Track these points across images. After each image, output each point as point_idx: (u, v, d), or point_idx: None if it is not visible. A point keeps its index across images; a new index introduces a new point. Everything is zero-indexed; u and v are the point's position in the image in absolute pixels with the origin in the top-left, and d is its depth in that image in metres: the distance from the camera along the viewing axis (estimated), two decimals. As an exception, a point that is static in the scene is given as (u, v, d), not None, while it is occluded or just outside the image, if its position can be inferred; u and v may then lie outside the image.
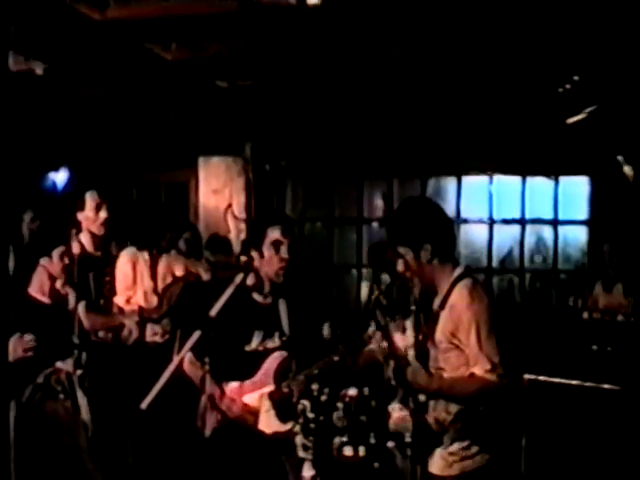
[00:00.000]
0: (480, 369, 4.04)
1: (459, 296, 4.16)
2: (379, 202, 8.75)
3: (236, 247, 8.08)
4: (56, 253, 5.85)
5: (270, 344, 4.76)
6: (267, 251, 4.62)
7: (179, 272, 6.78)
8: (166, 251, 6.81)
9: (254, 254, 4.66)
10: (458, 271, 4.25)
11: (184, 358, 4.38)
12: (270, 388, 4.69)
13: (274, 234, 4.62)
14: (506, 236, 8.31)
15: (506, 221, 8.35)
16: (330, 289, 8.65)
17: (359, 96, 7.54)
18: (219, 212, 8.24)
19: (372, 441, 4.77)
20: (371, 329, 4.69)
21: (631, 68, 5.85)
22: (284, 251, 4.60)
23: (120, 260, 6.63)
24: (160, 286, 6.75)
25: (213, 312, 4.53)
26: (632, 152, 7.14)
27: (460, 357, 4.14)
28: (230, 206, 8.23)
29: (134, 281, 6.66)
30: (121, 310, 6.47)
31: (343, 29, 6.12)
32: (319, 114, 7.85)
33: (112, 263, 6.53)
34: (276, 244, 4.61)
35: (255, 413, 4.66)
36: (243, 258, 4.81)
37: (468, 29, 6.01)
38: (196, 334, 4.45)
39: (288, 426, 4.63)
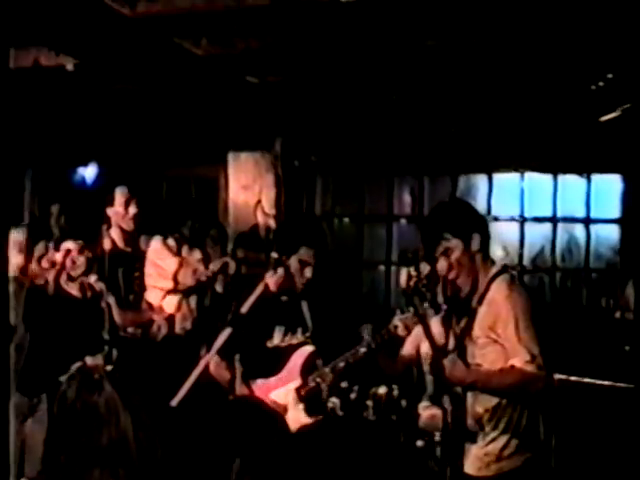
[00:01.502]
0: (519, 360, 4.08)
1: (497, 291, 4.22)
2: (408, 199, 8.70)
3: (266, 243, 8.08)
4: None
5: (294, 340, 4.85)
6: (294, 264, 4.78)
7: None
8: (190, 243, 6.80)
9: (282, 259, 4.80)
10: (495, 269, 4.34)
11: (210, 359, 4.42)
12: (297, 384, 4.72)
13: (304, 255, 4.78)
14: (537, 234, 8.22)
15: (538, 219, 8.26)
16: (359, 286, 8.61)
17: (391, 92, 7.49)
18: (249, 208, 8.20)
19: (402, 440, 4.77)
20: (397, 318, 4.67)
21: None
22: (309, 272, 4.78)
23: (152, 246, 6.64)
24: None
25: (244, 309, 4.56)
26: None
27: (498, 352, 4.19)
28: (260, 202, 8.20)
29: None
30: (150, 306, 6.51)
31: (376, 25, 6.09)
32: (350, 110, 7.80)
33: (142, 259, 6.56)
34: (303, 263, 4.78)
35: (283, 409, 4.64)
36: (274, 255, 4.83)
37: (502, 25, 5.95)
38: (227, 331, 4.47)
39: (315, 419, 4.63)
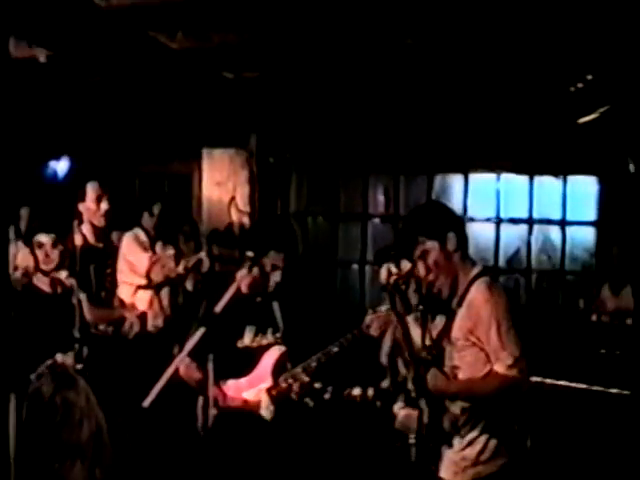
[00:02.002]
0: (501, 365, 4.02)
1: (477, 293, 4.14)
2: (382, 198, 8.64)
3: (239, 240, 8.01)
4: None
5: (264, 340, 4.77)
6: (266, 266, 4.75)
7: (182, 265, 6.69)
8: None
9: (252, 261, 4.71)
10: (476, 270, 4.24)
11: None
12: (268, 384, 4.66)
13: (275, 259, 4.74)
14: (513, 235, 8.20)
15: (513, 220, 8.23)
16: (333, 285, 8.55)
17: (366, 90, 7.44)
18: (222, 205, 8.13)
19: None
20: (369, 317, 4.63)
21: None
22: (278, 275, 4.77)
23: (125, 240, 6.55)
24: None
25: (217, 308, 4.47)
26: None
27: (477, 355, 4.11)
28: (234, 199, 8.12)
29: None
30: (122, 303, 6.41)
31: (352, 21, 6.03)
32: (325, 107, 7.74)
33: (113, 255, 6.47)
34: (273, 267, 4.75)
35: (255, 409, 4.61)
36: (250, 254, 4.76)
37: (480, 25, 5.91)
38: (200, 331, 4.37)
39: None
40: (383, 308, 4.52)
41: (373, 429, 5.53)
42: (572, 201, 8.19)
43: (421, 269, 4.20)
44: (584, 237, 8.26)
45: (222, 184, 8.16)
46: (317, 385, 5.00)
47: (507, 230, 8.18)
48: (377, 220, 8.64)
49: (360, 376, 5.57)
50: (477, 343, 4.10)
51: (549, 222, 8.29)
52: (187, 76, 6.57)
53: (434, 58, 6.57)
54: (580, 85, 6.06)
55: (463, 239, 4.27)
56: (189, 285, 6.80)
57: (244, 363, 4.70)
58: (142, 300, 6.51)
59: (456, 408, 4.16)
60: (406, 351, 4.13)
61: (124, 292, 6.51)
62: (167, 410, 4.74)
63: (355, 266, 8.63)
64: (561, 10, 5.44)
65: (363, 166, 8.49)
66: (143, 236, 6.69)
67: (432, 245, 4.16)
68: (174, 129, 7.67)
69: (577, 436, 5.83)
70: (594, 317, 6.59)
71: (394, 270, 4.07)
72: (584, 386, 6.10)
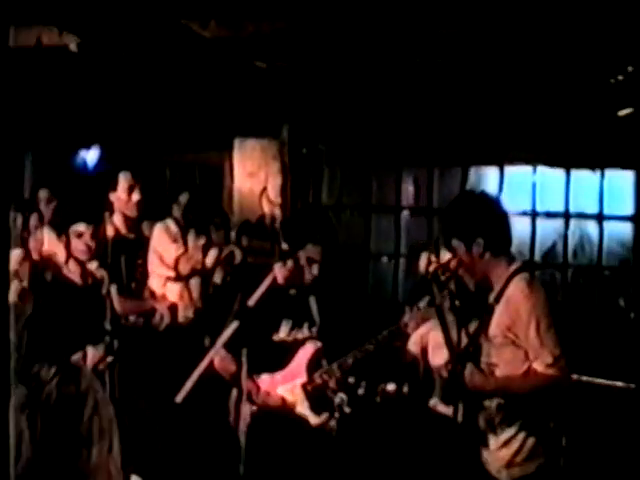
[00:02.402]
0: (541, 363, 3.97)
1: (516, 290, 4.08)
2: (411, 189, 8.53)
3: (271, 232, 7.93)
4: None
5: (300, 335, 4.72)
6: (302, 259, 4.65)
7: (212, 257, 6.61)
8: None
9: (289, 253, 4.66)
10: (514, 266, 4.18)
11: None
12: (303, 379, 4.61)
13: (313, 252, 4.64)
14: (549, 230, 8.05)
15: (550, 214, 8.08)
16: (365, 279, 8.45)
17: (400, 82, 7.33)
18: (254, 196, 8.05)
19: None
20: (407, 315, 4.54)
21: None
22: (315, 269, 4.65)
23: (156, 231, 6.49)
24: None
25: (251, 302, 4.40)
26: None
27: (515, 352, 4.06)
28: (265, 190, 8.04)
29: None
30: (153, 294, 6.35)
31: (385, 12, 5.94)
32: (359, 99, 7.63)
33: (145, 246, 6.40)
34: (310, 260, 4.65)
35: (291, 405, 4.57)
36: (285, 246, 4.68)
37: (518, 13, 5.79)
38: (234, 324, 4.30)
39: (322, 418, 4.55)
40: (422, 305, 4.43)
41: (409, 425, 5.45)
42: (609, 195, 8.06)
43: (452, 262, 4.15)
44: (622, 232, 8.13)
45: (254, 175, 8.07)
46: (351, 380, 4.91)
47: (543, 224, 8.05)
48: (408, 212, 8.53)
49: (396, 373, 5.47)
50: (515, 340, 4.05)
51: (586, 216, 8.16)
52: (220, 65, 6.48)
53: (470, 49, 6.45)
54: (620, 77, 5.91)
55: (498, 237, 4.18)
56: (218, 278, 6.72)
57: (279, 357, 4.66)
58: (173, 291, 6.45)
59: (492, 405, 4.11)
60: (444, 346, 4.04)
61: (155, 283, 6.45)
62: (200, 404, 4.72)
63: (386, 259, 8.54)
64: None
65: (396, 158, 8.37)
66: (174, 227, 6.62)
67: (458, 244, 4.13)
68: (206, 119, 7.58)
69: (615, 434, 5.73)
70: (632, 314, 6.45)
71: (434, 259, 3.99)
72: (621, 384, 6.01)
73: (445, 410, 4.80)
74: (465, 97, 7.44)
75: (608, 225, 8.10)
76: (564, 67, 6.26)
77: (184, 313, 6.52)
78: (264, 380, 4.64)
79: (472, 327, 4.26)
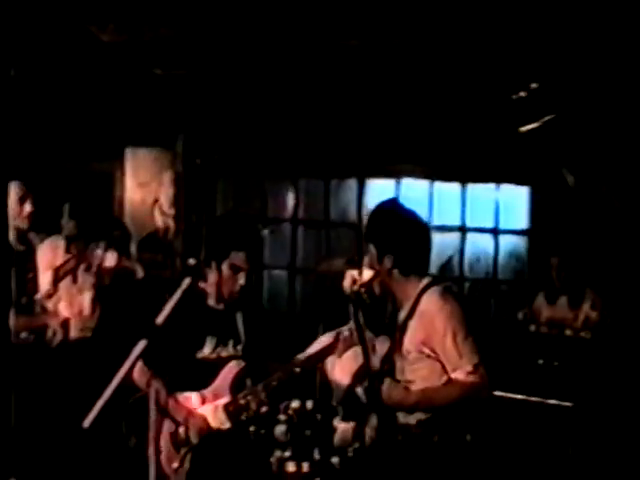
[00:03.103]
0: (461, 373, 3.97)
1: (429, 303, 4.08)
2: (291, 201, 8.44)
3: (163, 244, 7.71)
4: None
5: (224, 352, 4.56)
6: (225, 270, 4.50)
7: (109, 263, 6.32)
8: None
9: (212, 266, 4.51)
10: (425, 281, 4.17)
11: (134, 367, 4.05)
12: (226, 400, 4.44)
13: (237, 260, 4.48)
14: (445, 243, 8.08)
15: (445, 228, 8.12)
16: (260, 291, 8.31)
17: (295, 91, 7.25)
18: (146, 206, 7.81)
19: (316, 457, 4.51)
20: (329, 337, 4.43)
21: (592, 77, 5.70)
22: (242, 278, 4.49)
23: (39, 251, 6.20)
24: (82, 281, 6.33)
25: (160, 319, 4.20)
26: (577, 164, 7.02)
27: (432, 367, 4.05)
28: (158, 201, 7.80)
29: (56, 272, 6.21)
30: (44, 309, 6.06)
31: (283, 22, 5.88)
32: (255, 109, 7.50)
33: (35, 259, 6.11)
34: (236, 269, 4.48)
35: (209, 426, 4.39)
36: (192, 261, 4.49)
37: (421, 29, 5.80)
38: (141, 344, 4.10)
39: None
40: (345, 329, 4.32)
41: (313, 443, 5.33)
42: (505, 210, 8.18)
43: (366, 276, 4.07)
44: (516, 246, 8.25)
45: (146, 185, 7.84)
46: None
47: (439, 238, 8.09)
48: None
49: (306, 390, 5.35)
50: (431, 355, 4.04)
51: (481, 230, 8.25)
52: (116, 70, 6.25)
53: (371, 61, 6.42)
54: (523, 94, 5.97)
55: (408, 257, 4.16)
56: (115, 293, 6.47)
57: (203, 375, 4.48)
58: (65, 307, 6.15)
59: (412, 420, 4.08)
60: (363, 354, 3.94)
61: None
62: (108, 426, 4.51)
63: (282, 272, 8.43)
64: (509, 15, 5.36)
65: (291, 168, 8.27)
66: (61, 242, 6.30)
67: (374, 252, 4.15)
68: (98, 126, 7.30)
69: (515, 447, 5.76)
70: (532, 327, 6.51)
71: (358, 277, 3.90)
72: (521, 397, 6.06)
73: (346, 427, 4.73)
74: (363, 109, 7.39)
75: (503, 239, 8.26)
76: (466, 81, 6.29)
77: (78, 329, 6.25)
78: (187, 398, 4.45)
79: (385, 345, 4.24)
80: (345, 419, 4.74)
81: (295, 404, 5.08)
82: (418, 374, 4.07)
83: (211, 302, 4.59)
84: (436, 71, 6.37)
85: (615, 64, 5.46)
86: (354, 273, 3.91)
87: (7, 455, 4.72)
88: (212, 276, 4.50)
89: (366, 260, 4.19)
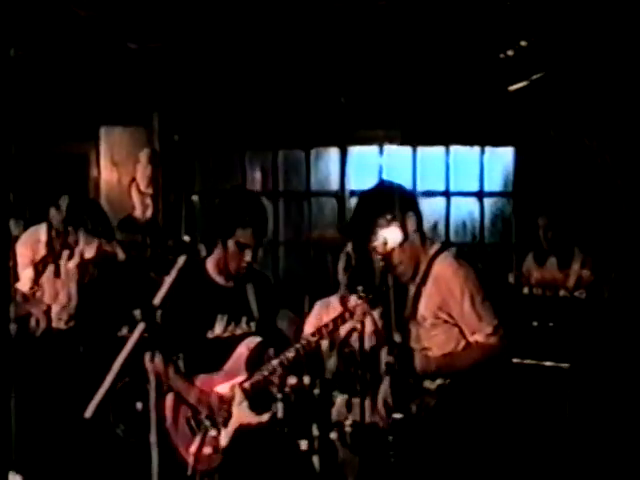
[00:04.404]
0: (481, 335, 3.96)
1: (443, 267, 4.06)
2: (257, 174, 8.31)
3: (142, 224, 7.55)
4: None
5: (238, 330, 4.44)
6: (231, 247, 4.36)
7: (89, 254, 6.18)
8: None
9: (217, 243, 4.38)
10: (436, 247, 4.17)
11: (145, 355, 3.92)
12: (242, 378, 4.32)
13: (244, 236, 4.35)
14: (431, 209, 7.99)
15: (430, 193, 8.03)
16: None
17: (270, 63, 7.09)
18: (122, 187, 7.64)
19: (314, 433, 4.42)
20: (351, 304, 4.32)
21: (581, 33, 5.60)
22: (248, 255, 4.37)
23: (19, 244, 6.03)
24: (64, 270, 6.16)
25: (157, 300, 4.07)
26: (565, 123, 6.93)
27: (448, 332, 4.03)
28: (134, 180, 7.62)
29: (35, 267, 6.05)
30: (25, 298, 5.89)
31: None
32: (230, 82, 7.33)
33: (13, 245, 5.93)
34: (242, 246, 4.36)
35: (228, 406, 4.26)
36: (187, 238, 4.35)
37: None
38: (140, 327, 3.97)
39: (264, 418, 4.26)
40: (354, 298, 4.21)
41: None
42: (489, 172, 8.11)
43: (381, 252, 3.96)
44: (502, 209, 8.20)
45: (121, 164, 7.66)
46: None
47: (424, 203, 8.00)
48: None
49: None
50: (449, 320, 4.02)
51: (466, 194, 8.17)
52: (89, 45, 6.05)
53: (352, 21, 6.27)
54: (510, 52, 5.84)
55: (420, 218, 4.16)
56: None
57: (216, 355, 4.35)
58: (50, 298, 5.99)
59: (432, 387, 4.03)
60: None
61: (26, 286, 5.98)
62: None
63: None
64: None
65: (272, 141, 8.12)
66: (44, 234, 6.11)
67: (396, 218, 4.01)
68: (71, 104, 7.09)
69: (512, 410, 5.72)
70: (525, 290, 6.45)
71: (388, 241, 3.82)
72: (517, 360, 6.01)
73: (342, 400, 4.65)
74: (342, 73, 7.23)
75: (489, 202, 8.19)
76: (453, 40, 6.15)
77: (59, 316, 6.09)
78: (202, 380, 4.33)
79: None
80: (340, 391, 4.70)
81: (292, 380, 4.98)
82: (434, 340, 4.04)
83: (219, 280, 4.46)
84: (420, 30, 6.22)
85: (605, 19, 5.36)
86: (385, 235, 3.83)
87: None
88: (217, 253, 4.37)
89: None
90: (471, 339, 3.98)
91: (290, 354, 4.26)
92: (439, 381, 4.02)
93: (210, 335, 4.40)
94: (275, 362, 4.29)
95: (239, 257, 4.36)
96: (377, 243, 3.88)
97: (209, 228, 4.54)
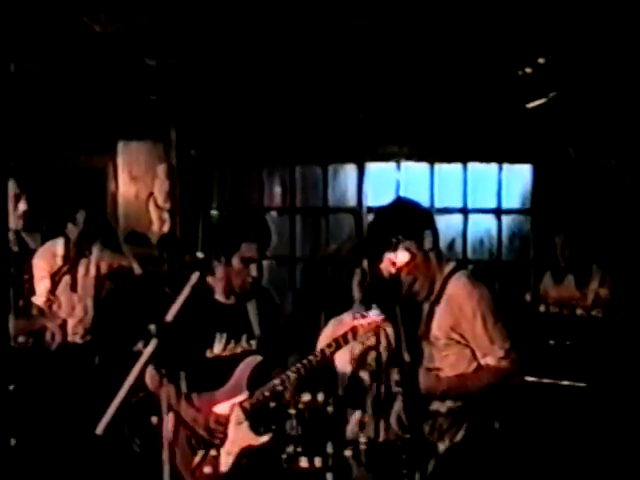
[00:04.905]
0: (492, 358, 3.90)
1: (457, 288, 4.00)
2: (277, 189, 8.29)
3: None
4: None
5: (238, 348, 4.42)
6: (236, 263, 4.36)
7: (105, 268, 6.20)
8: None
9: (221, 260, 4.38)
10: (451, 265, 4.12)
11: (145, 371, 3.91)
12: (243, 397, 4.31)
13: (249, 251, 4.35)
14: (448, 226, 7.95)
15: (447, 210, 7.99)
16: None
17: (289, 79, 7.10)
18: (140, 201, 7.65)
19: (329, 451, 4.39)
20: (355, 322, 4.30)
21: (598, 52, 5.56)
22: (254, 270, 4.37)
23: (36, 257, 6.05)
24: (81, 284, 6.17)
25: (169, 317, 4.06)
26: (583, 140, 6.89)
27: (461, 353, 3.98)
28: (152, 194, 7.63)
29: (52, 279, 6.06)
30: (41, 312, 5.91)
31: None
32: (248, 96, 7.33)
33: (30, 259, 5.96)
34: (247, 261, 4.35)
35: (225, 425, 4.25)
36: (200, 255, 4.34)
37: (423, 4, 5.65)
38: (152, 343, 3.96)
39: (264, 439, 4.26)
40: (372, 313, 4.21)
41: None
42: (507, 189, 8.07)
43: (400, 262, 3.96)
44: (520, 226, 8.15)
45: (139, 179, 7.66)
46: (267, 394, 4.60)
47: (441, 220, 7.96)
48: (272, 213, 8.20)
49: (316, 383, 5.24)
50: (461, 340, 3.96)
51: (484, 211, 8.14)
52: (108, 61, 6.07)
53: (371, 38, 6.26)
54: (529, 70, 5.81)
55: (436, 236, 4.13)
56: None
57: (217, 375, 4.34)
58: (66, 313, 6.00)
59: (442, 409, 3.98)
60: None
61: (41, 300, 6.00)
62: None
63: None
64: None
65: (289, 158, 8.12)
66: (61, 248, 6.13)
67: (409, 245, 4.00)
68: (89, 119, 7.11)
69: (530, 429, 5.68)
70: (542, 308, 6.40)
71: (395, 261, 3.81)
72: (533, 379, 5.97)
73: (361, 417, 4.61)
74: (361, 88, 7.21)
75: (507, 219, 8.14)
76: (471, 57, 6.12)
77: (75, 330, 6.10)
78: (203, 399, 4.33)
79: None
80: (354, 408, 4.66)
81: (306, 397, 4.96)
82: (446, 361, 3.99)
83: (219, 297, 4.45)
84: (439, 48, 6.20)
85: (621, 38, 5.32)
86: (391, 256, 3.83)
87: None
88: (220, 270, 4.36)
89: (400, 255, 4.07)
90: (482, 361, 3.91)
91: (292, 375, 4.24)
92: (449, 403, 3.97)
93: (209, 354, 4.38)
94: (276, 381, 4.27)
95: (245, 272, 4.35)
96: (384, 265, 3.89)
97: (214, 244, 4.50)
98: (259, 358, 4.38)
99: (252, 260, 4.35)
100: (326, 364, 4.36)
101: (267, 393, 4.26)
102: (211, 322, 4.38)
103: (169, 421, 4.21)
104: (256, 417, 4.26)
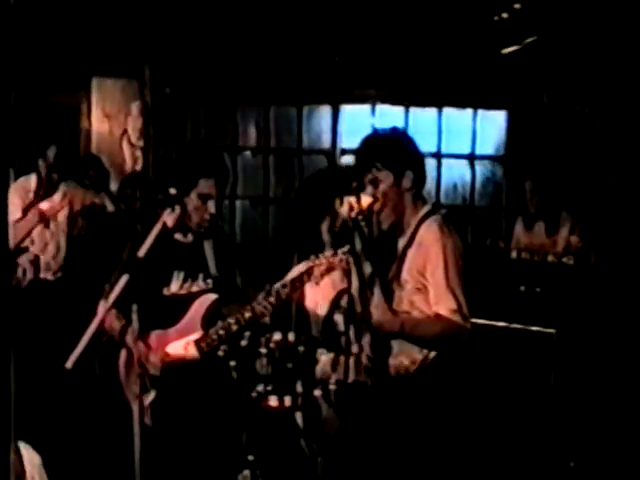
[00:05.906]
0: (444, 308, 3.84)
1: (428, 232, 3.96)
2: (252, 130, 8.24)
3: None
4: None
5: (194, 287, 4.35)
6: (194, 199, 4.25)
7: (77, 205, 6.14)
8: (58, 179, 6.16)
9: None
10: (426, 208, 4.05)
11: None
12: (197, 336, 4.23)
13: (206, 187, 4.24)
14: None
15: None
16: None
17: (266, 15, 7.01)
18: (113, 138, 7.58)
19: (299, 390, 4.41)
20: (309, 262, 4.28)
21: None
22: (211, 206, 4.26)
23: (9, 193, 5.98)
24: (53, 220, 6.13)
25: (141, 252, 4.04)
26: (556, 87, 6.86)
27: (426, 299, 3.92)
28: (126, 132, 7.56)
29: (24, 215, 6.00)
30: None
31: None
32: (224, 33, 7.23)
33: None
34: (205, 197, 4.24)
35: (179, 363, 4.19)
36: (173, 191, 4.29)
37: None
38: (124, 278, 3.94)
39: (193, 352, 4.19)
40: (327, 254, 4.17)
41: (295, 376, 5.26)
42: (481, 135, 8.06)
43: (367, 195, 3.93)
44: (493, 172, 8.16)
45: (113, 117, 7.59)
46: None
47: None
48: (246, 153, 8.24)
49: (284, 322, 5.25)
50: (427, 284, 3.92)
51: (457, 157, 8.14)
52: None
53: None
54: (505, 15, 5.76)
55: (421, 178, 4.06)
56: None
57: (172, 313, 4.27)
58: (37, 244, 5.96)
59: (405, 357, 3.98)
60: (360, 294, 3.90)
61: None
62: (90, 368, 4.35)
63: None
64: None
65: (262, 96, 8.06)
66: (34, 183, 6.06)
67: (386, 175, 3.94)
68: (63, 56, 7.00)
69: (498, 374, 5.72)
70: (514, 254, 6.41)
71: (355, 204, 3.77)
72: (504, 324, 6.00)
73: (327, 359, 4.64)
74: (336, 31, 7.15)
75: (480, 165, 8.16)
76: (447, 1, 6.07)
77: (47, 266, 6.07)
78: (155, 337, 4.25)
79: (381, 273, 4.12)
80: (327, 349, 4.68)
81: (277, 336, 4.99)
82: (414, 306, 3.96)
83: (177, 236, 4.37)
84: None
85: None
86: (352, 200, 3.78)
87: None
88: (178, 207, 4.19)
89: (367, 178, 4.01)
90: (434, 308, 3.87)
91: (247, 314, 4.14)
92: (414, 356, 3.95)
93: (166, 292, 4.32)
94: (231, 320, 4.18)
95: (202, 209, 4.26)
96: (343, 209, 3.86)
97: (171, 180, 4.31)
98: (214, 296, 4.31)
99: (210, 197, 4.25)
100: (283, 304, 4.27)
101: (222, 332, 4.18)
102: (169, 260, 4.30)
103: (121, 358, 4.24)
104: (210, 355, 4.18)
